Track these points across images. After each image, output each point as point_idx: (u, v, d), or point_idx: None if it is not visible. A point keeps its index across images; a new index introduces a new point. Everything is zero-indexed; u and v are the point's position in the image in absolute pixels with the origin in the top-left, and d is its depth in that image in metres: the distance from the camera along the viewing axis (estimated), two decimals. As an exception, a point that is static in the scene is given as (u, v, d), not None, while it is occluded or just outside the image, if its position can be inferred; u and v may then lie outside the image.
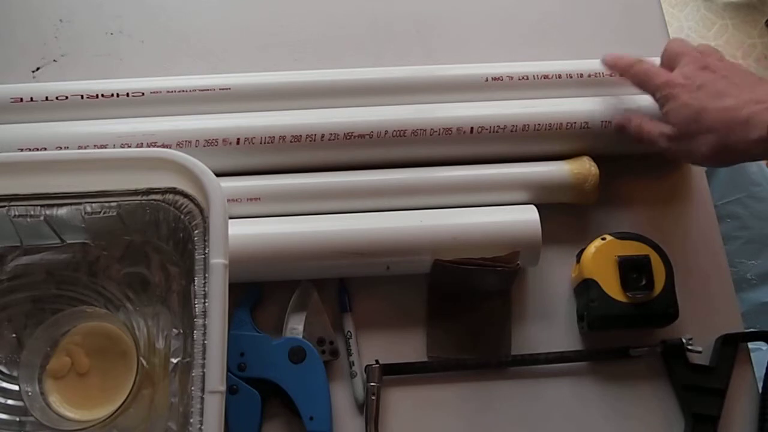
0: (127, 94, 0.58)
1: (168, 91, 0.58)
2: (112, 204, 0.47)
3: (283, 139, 0.56)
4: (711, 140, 0.49)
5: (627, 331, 0.55)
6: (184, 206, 0.46)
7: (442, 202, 0.56)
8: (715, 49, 0.54)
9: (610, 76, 0.60)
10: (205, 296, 0.42)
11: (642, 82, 0.55)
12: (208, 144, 0.56)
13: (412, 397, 0.55)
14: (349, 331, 0.55)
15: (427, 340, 0.56)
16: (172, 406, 0.47)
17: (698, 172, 0.62)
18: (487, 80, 0.60)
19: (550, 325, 0.57)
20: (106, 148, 0.55)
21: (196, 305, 0.42)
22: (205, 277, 0.42)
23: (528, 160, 0.58)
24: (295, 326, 0.54)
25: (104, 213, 0.48)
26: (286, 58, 0.66)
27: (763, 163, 0.83)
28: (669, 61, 0.55)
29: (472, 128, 0.57)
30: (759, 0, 1.64)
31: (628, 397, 0.55)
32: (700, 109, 0.50)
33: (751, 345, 0.56)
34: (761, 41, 1.61)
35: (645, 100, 0.57)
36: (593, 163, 0.57)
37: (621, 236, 0.55)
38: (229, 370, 0.51)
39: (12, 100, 0.57)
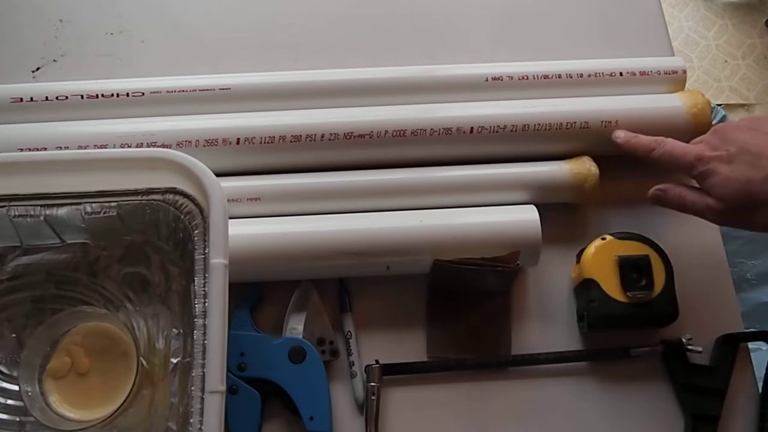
0: (127, 94, 0.58)
1: (168, 91, 0.58)
2: (112, 204, 0.47)
3: (283, 139, 0.56)
4: None
5: (627, 331, 0.55)
6: (184, 206, 0.46)
7: (442, 202, 0.56)
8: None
9: (610, 76, 0.60)
10: (205, 296, 0.42)
11: (670, 164, 0.52)
12: (208, 144, 0.56)
13: (412, 397, 0.55)
14: (349, 331, 0.55)
15: (427, 340, 0.56)
16: (172, 406, 0.47)
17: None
18: (487, 80, 0.60)
19: (550, 325, 0.57)
20: (106, 148, 0.55)
21: (196, 305, 0.42)
22: (205, 277, 0.42)
23: (528, 160, 0.58)
24: (295, 326, 0.54)
25: (104, 213, 0.48)
26: (286, 58, 0.66)
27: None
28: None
29: (472, 128, 0.57)
30: (759, 0, 1.64)
31: (628, 397, 0.55)
32: (745, 182, 0.46)
33: (751, 345, 0.56)
34: (761, 41, 1.61)
35: (649, 100, 0.57)
36: (593, 163, 0.57)
37: (621, 236, 0.55)
38: (229, 370, 0.51)
39: (12, 100, 0.57)
